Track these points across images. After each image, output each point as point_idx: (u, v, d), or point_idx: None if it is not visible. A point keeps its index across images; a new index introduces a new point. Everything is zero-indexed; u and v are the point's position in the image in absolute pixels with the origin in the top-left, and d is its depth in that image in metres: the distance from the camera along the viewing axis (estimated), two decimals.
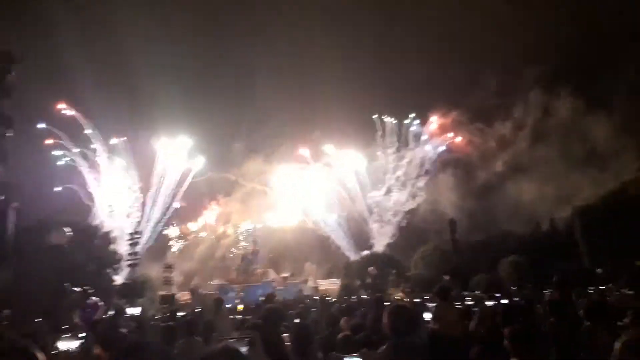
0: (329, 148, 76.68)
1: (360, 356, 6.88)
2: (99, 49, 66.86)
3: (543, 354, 7.37)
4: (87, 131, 70.83)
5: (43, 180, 58.72)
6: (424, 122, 72.66)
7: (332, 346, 9.37)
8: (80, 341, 6.87)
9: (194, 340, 7.42)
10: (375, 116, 75.02)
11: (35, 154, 54.73)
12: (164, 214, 76.63)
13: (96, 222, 67.29)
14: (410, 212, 72.06)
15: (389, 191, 70.95)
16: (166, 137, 75.28)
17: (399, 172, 72.97)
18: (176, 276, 71.09)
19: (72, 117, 68.22)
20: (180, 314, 16.90)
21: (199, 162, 75.72)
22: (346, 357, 6.58)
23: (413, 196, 68.12)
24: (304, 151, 77.01)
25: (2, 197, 24.11)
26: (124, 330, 9.13)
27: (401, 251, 65.79)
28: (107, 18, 68.50)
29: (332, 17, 73.20)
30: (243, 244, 79.40)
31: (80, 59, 63.14)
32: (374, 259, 58.33)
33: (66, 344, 6.49)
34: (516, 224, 49.95)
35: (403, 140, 75.32)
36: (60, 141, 70.12)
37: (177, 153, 76.86)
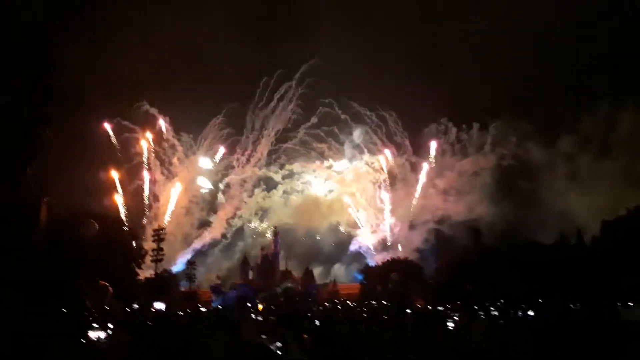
0: (386, 153, 77.57)
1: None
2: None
3: None
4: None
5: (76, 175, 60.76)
6: (484, 128, 72.86)
7: (353, 348, 9.33)
8: (109, 332, 7.03)
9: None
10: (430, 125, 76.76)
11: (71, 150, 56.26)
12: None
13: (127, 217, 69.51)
14: (443, 219, 71.89)
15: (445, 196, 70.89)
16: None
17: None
18: (199, 273, 72.55)
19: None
20: (202, 309, 17.11)
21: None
22: (367, 358, 6.56)
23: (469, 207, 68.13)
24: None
25: (34, 192, 24.80)
26: (149, 324, 9.30)
27: (427, 258, 65.79)
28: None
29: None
30: (266, 238, 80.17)
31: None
32: (395, 264, 57.98)
33: (95, 334, 6.66)
34: (545, 235, 49.53)
35: (462, 147, 74.72)
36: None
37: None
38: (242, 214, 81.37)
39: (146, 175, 76.41)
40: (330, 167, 79.26)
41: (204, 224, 79.85)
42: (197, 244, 77.68)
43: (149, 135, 77.11)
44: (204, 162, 79.80)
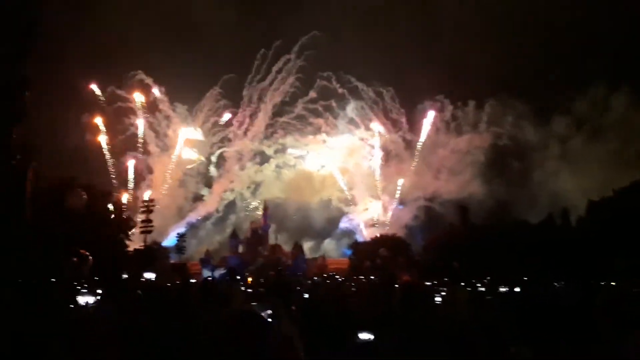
0: (380, 129, 76.72)
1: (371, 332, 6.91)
2: None
3: None
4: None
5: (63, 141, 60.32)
6: (480, 107, 71.84)
7: (341, 323, 9.43)
8: (97, 297, 7.06)
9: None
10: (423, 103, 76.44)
11: (55, 114, 55.55)
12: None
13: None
14: (434, 196, 72.27)
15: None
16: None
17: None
18: (191, 246, 72.70)
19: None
20: (192, 281, 17.13)
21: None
22: (360, 333, 6.62)
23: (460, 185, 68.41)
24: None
25: (20, 157, 24.38)
26: (139, 292, 9.33)
27: (415, 235, 66.49)
28: None
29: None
30: (258, 212, 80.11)
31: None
32: (384, 241, 58.61)
33: (84, 299, 6.68)
34: (535, 215, 50.38)
35: (456, 125, 73.76)
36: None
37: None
38: (234, 188, 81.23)
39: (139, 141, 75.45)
40: (324, 141, 78.88)
41: (199, 198, 79.82)
42: (191, 218, 77.66)
43: (140, 97, 75.59)
44: (192, 133, 78.84)
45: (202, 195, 79.64)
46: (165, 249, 61.60)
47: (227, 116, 79.53)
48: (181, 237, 59.23)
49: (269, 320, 3.64)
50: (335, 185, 78.00)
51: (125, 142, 75.20)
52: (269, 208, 78.28)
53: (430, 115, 73.70)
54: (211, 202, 79.34)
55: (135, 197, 69.65)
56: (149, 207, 50.48)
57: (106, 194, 50.84)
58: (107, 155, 72.77)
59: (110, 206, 46.09)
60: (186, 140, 78.16)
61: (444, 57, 67.34)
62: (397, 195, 74.21)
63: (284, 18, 74.65)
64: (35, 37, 25.25)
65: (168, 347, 4.81)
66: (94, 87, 72.71)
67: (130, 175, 74.02)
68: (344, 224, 77.17)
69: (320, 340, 7.35)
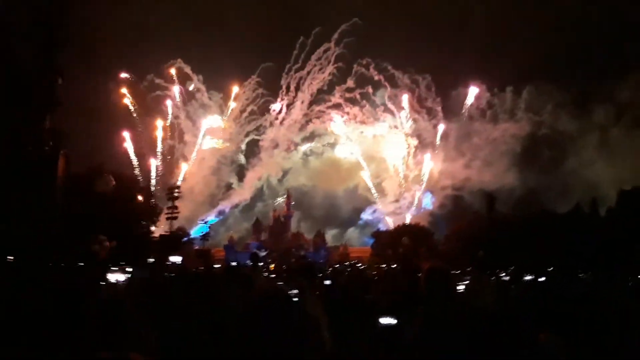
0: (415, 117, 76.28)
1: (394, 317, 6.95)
2: None
3: None
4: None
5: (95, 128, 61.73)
6: (517, 93, 70.95)
7: (363, 309, 9.49)
8: (128, 275, 7.26)
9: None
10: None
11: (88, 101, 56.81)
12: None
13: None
14: (464, 185, 71.51)
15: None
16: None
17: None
18: (220, 233, 73.79)
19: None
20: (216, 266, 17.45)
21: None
22: (382, 318, 6.66)
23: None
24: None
25: (51, 144, 25.02)
26: (166, 274, 9.57)
27: (439, 223, 66.11)
28: None
29: None
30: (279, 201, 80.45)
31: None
32: (406, 230, 58.38)
33: (115, 276, 6.91)
34: (566, 205, 49.60)
35: (492, 114, 72.88)
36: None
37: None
38: (262, 176, 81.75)
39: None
40: (361, 132, 78.25)
41: (230, 187, 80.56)
42: (221, 207, 78.61)
43: (177, 90, 76.62)
44: (215, 121, 79.27)
45: (231, 184, 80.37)
46: (190, 235, 62.52)
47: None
48: (205, 223, 60.09)
49: (295, 299, 3.70)
50: (363, 174, 77.86)
51: (162, 130, 76.52)
52: (292, 196, 78.65)
53: (472, 93, 72.51)
54: (242, 191, 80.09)
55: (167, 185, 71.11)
56: (174, 194, 51.34)
57: (133, 180, 51.85)
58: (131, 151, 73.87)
59: (140, 197, 46.87)
60: (215, 130, 78.85)
61: (480, 43, 66.15)
62: (423, 185, 73.74)
63: (323, 5, 74.10)
64: (66, 25, 25.74)
65: (196, 325, 4.94)
66: (125, 75, 73.91)
67: (152, 169, 75.22)
68: (366, 215, 77.14)
69: (343, 325, 7.43)
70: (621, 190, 41.89)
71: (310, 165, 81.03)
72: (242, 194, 79.49)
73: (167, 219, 50.77)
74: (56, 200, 23.05)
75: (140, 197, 46.85)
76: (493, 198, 50.64)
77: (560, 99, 64.95)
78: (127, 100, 74.22)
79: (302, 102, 78.72)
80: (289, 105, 79.33)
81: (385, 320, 7.06)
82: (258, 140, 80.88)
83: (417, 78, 75.32)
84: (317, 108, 79.05)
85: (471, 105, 73.25)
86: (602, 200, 46.28)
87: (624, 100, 61.23)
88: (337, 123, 77.87)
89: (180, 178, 73.34)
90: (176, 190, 52.92)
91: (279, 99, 79.41)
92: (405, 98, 75.89)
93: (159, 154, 75.68)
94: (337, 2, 74.03)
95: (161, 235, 49.72)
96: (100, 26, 53.96)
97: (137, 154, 73.35)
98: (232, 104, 79.15)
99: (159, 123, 76.17)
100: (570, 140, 63.99)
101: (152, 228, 49.89)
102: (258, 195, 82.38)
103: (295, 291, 4.62)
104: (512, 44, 63.74)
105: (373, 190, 76.48)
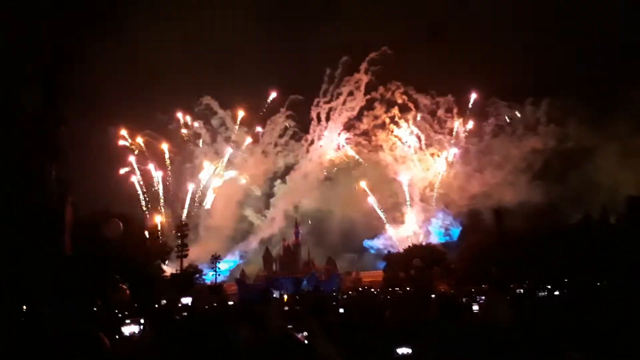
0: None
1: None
2: None
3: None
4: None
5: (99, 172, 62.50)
6: (536, 105, 72.56)
7: (379, 336, 9.39)
8: (140, 326, 7.25)
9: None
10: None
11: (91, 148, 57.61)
12: None
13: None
14: (478, 201, 72.29)
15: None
16: None
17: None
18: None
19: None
20: (230, 303, 17.39)
21: None
22: (397, 347, 6.62)
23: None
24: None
25: (57, 191, 25.16)
26: (177, 318, 9.52)
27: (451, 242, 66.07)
28: None
29: None
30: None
31: None
32: (417, 250, 57.90)
33: (129, 329, 6.90)
34: (571, 212, 49.55)
35: (512, 130, 74.71)
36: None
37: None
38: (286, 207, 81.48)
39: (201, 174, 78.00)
40: (388, 154, 78.69)
41: (249, 222, 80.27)
42: (242, 247, 78.51)
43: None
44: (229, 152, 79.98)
45: (248, 218, 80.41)
46: (201, 271, 62.21)
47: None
48: (215, 259, 59.91)
49: (305, 342, 3.70)
50: (370, 200, 78.28)
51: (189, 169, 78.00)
52: (300, 224, 78.37)
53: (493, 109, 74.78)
54: (270, 224, 79.99)
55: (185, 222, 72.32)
56: (182, 231, 51.35)
57: (141, 222, 52.03)
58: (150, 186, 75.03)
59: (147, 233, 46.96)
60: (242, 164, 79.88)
61: (496, 57, 67.54)
62: (434, 202, 74.40)
63: (348, 33, 75.46)
64: (71, 73, 26.16)
65: None
66: (123, 132, 75.06)
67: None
68: (373, 242, 77.13)
69: (359, 356, 7.36)
70: (629, 197, 41.56)
71: (326, 191, 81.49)
72: (271, 227, 79.77)
73: (178, 257, 50.65)
74: (64, 249, 23.08)
75: (147, 235, 46.92)
76: (501, 213, 50.40)
77: (579, 111, 65.82)
78: (136, 142, 75.73)
79: (331, 132, 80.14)
80: (319, 136, 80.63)
81: (401, 350, 7.00)
82: (286, 173, 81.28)
83: (439, 100, 77.34)
84: (345, 135, 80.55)
85: (489, 121, 75.01)
86: (619, 207, 45.90)
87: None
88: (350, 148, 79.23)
89: (184, 215, 73.64)
90: (185, 227, 52.95)
91: (310, 130, 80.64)
92: (423, 118, 77.58)
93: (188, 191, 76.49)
94: (360, 32, 75.59)
95: (172, 275, 49.56)
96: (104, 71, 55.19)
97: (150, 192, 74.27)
98: (248, 139, 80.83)
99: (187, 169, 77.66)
100: (588, 152, 64.64)
101: (165, 267, 49.84)
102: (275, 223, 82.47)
103: (305, 333, 4.60)
104: (531, 57, 65.54)
105: (382, 216, 76.69)
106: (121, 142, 74.44)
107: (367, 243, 77.20)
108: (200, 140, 78.85)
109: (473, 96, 74.97)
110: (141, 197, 73.28)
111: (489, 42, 67.41)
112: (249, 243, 77.89)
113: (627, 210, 40.48)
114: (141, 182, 73.79)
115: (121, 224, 32.61)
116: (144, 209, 72.52)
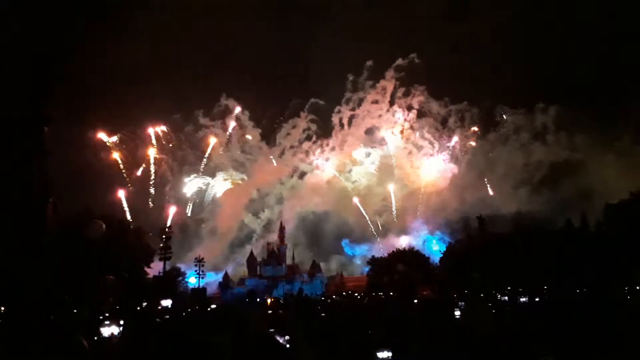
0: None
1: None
2: None
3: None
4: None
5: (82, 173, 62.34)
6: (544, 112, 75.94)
7: (362, 341, 9.43)
8: (120, 328, 7.18)
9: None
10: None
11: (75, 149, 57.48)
12: None
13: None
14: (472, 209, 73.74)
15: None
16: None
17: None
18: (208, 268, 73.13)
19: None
20: (212, 306, 17.27)
21: None
22: (378, 351, 6.67)
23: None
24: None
25: (39, 192, 24.73)
26: (158, 320, 9.44)
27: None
28: None
29: None
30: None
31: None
32: (401, 255, 57.98)
33: (108, 330, 6.84)
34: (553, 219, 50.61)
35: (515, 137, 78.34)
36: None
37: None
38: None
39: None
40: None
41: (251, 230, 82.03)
42: (241, 259, 78.35)
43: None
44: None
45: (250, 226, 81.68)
46: (184, 274, 61.58)
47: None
48: (199, 261, 59.34)
49: (287, 346, 3.70)
50: (374, 202, 79.54)
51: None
52: (285, 228, 78.07)
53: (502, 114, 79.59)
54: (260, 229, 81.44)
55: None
56: (167, 234, 50.70)
57: (124, 223, 51.32)
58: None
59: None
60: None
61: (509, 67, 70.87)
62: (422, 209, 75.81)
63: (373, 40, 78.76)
64: (56, 75, 25.92)
65: None
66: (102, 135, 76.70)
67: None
68: (365, 246, 77.77)
69: (339, 359, 7.38)
70: (607, 204, 42.33)
71: (322, 192, 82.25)
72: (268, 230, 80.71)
73: (160, 259, 50.02)
74: (44, 249, 22.70)
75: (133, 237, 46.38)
76: (483, 220, 51.07)
77: (579, 120, 67.62)
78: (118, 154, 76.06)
79: (355, 137, 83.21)
80: (341, 143, 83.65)
81: (382, 354, 7.05)
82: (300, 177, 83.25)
83: (451, 108, 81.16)
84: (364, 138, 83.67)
85: (495, 129, 79.16)
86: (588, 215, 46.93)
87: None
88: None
89: (170, 219, 73.60)
90: (169, 230, 52.34)
91: (333, 135, 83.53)
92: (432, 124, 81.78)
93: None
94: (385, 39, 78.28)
95: (154, 277, 48.95)
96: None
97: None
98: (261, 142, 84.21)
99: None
100: (584, 160, 66.47)
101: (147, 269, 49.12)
102: (267, 227, 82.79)
103: (287, 337, 4.60)
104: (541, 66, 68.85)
105: (369, 220, 77.84)
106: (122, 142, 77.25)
107: (348, 247, 77.84)
108: (213, 138, 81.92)
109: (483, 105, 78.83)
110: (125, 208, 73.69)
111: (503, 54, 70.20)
112: (239, 260, 78.42)
113: (606, 218, 41.19)
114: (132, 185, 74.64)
115: (103, 225, 32.23)
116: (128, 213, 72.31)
